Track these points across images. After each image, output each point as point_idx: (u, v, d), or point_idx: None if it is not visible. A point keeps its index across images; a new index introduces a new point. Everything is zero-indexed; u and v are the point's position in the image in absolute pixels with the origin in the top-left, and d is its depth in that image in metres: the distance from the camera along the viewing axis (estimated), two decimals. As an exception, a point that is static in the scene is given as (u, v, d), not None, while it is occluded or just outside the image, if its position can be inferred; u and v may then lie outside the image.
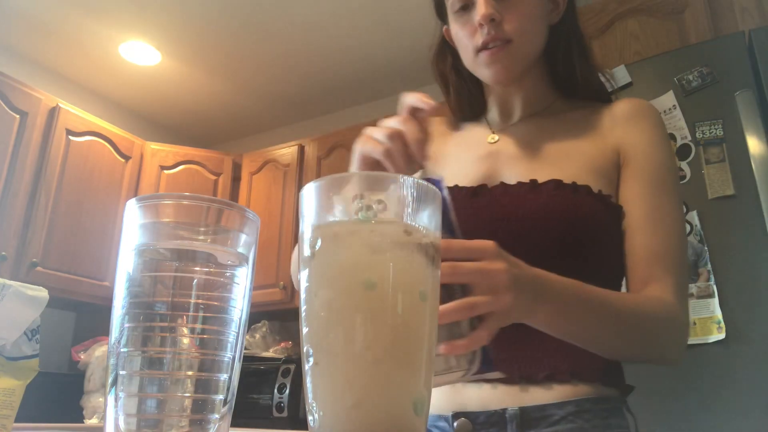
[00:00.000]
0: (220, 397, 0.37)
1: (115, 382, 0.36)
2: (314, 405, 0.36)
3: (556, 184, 0.77)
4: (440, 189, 0.50)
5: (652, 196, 0.78)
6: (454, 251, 0.52)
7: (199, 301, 0.37)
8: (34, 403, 2.49)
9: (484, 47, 0.82)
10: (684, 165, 1.62)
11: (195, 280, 0.37)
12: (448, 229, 0.55)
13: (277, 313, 2.99)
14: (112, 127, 3.10)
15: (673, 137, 1.65)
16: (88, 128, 2.97)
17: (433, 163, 0.88)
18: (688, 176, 1.60)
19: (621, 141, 0.83)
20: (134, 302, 0.37)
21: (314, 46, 2.99)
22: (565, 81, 0.92)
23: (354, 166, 0.69)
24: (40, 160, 2.73)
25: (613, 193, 0.81)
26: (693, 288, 1.51)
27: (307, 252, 0.38)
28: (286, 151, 3.18)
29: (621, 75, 1.80)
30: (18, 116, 2.67)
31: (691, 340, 1.48)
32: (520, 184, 0.80)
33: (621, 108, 0.87)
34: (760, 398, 1.37)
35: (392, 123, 0.66)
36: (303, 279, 0.38)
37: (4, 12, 2.77)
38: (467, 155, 0.91)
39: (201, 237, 0.39)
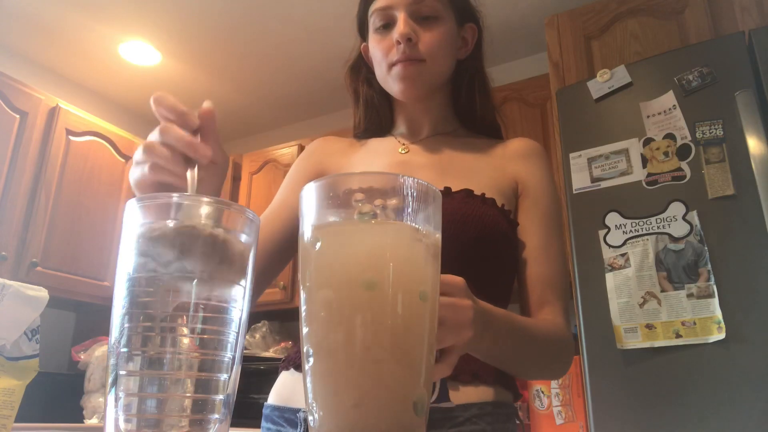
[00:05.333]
0: (220, 397, 0.37)
1: (115, 382, 0.36)
2: (314, 405, 0.36)
3: (467, 193, 0.85)
4: None
5: (545, 228, 0.88)
6: None
7: (199, 301, 0.37)
8: (34, 403, 2.49)
9: (397, 63, 0.89)
10: (684, 165, 1.62)
11: (195, 280, 0.37)
12: None
13: (277, 313, 2.99)
14: (112, 127, 3.10)
15: (673, 137, 1.65)
16: (88, 128, 2.97)
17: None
18: (688, 176, 1.60)
19: (518, 174, 0.92)
20: (134, 302, 0.37)
21: (314, 46, 2.99)
22: (464, 113, 1.01)
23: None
24: (40, 160, 2.73)
25: (513, 210, 0.90)
26: (693, 288, 1.51)
27: (307, 252, 0.38)
28: (286, 151, 3.18)
29: (621, 75, 1.80)
30: (18, 116, 2.68)
31: (691, 340, 1.48)
32: None
33: (516, 145, 0.96)
34: (760, 398, 1.37)
35: (150, 138, 0.58)
36: (303, 279, 0.38)
37: (4, 12, 2.77)
38: (377, 162, 0.96)
39: (201, 237, 0.39)
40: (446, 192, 0.85)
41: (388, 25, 0.91)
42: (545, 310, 0.83)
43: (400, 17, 0.88)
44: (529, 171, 0.93)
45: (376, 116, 1.02)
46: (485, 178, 0.90)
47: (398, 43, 0.88)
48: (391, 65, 0.90)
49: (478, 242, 0.81)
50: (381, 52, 0.91)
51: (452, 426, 0.74)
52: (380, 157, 0.96)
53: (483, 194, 0.85)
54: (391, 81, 0.92)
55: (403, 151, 0.96)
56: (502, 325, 0.66)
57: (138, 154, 0.58)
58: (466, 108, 1.00)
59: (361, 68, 1.03)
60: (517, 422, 0.84)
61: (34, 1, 2.69)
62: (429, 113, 0.99)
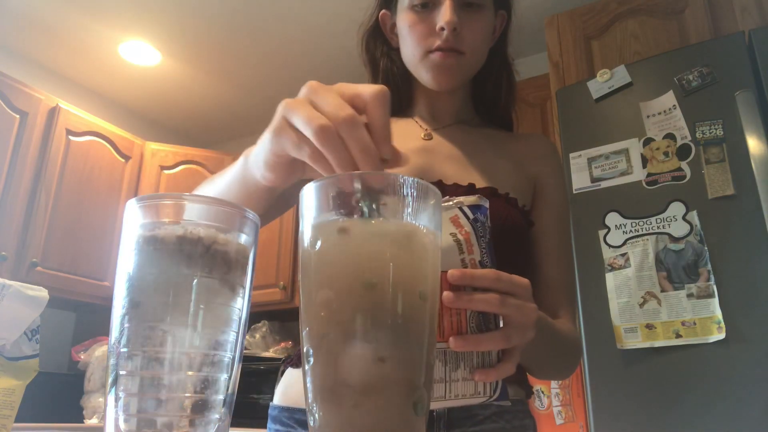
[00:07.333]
0: (220, 397, 0.37)
1: (115, 382, 0.36)
2: (314, 405, 0.36)
3: (492, 191, 0.83)
4: (485, 215, 0.54)
5: (558, 231, 0.89)
6: (503, 283, 0.52)
7: (200, 301, 0.37)
8: (34, 403, 2.49)
9: (437, 51, 0.84)
10: (684, 165, 1.62)
11: (195, 280, 0.37)
12: (488, 250, 0.55)
13: (277, 313, 2.99)
14: (112, 127, 3.10)
15: (673, 137, 1.65)
16: (88, 128, 2.97)
17: None
18: (688, 176, 1.60)
19: (537, 175, 0.92)
20: (134, 302, 0.37)
21: (314, 45, 2.99)
22: (484, 103, 0.98)
23: (261, 154, 0.53)
24: (40, 160, 2.73)
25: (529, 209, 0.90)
26: (693, 288, 1.51)
27: (307, 252, 0.38)
28: (286, 151, 3.18)
29: (621, 75, 1.80)
30: (18, 116, 2.68)
31: (691, 340, 1.48)
32: (456, 185, 0.83)
33: (535, 144, 0.96)
34: (760, 398, 1.37)
35: (336, 106, 0.47)
36: (303, 279, 0.38)
37: (4, 12, 2.77)
38: (401, 147, 0.91)
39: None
40: (470, 189, 0.83)
41: (427, 5, 0.84)
42: (559, 313, 0.83)
43: (447, 1, 0.82)
44: (547, 173, 0.92)
45: (396, 95, 0.96)
46: (507, 175, 0.88)
47: (442, 29, 0.82)
48: (428, 52, 0.84)
49: (498, 243, 0.80)
50: (417, 36, 0.85)
51: (473, 424, 0.75)
52: (403, 141, 0.91)
53: (507, 194, 0.84)
54: (424, 69, 0.86)
55: (426, 138, 0.92)
56: (545, 328, 0.67)
57: (307, 124, 0.46)
58: (490, 98, 0.97)
59: (377, 39, 0.96)
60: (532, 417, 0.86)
61: (34, 1, 2.69)
62: (453, 101, 0.95)
